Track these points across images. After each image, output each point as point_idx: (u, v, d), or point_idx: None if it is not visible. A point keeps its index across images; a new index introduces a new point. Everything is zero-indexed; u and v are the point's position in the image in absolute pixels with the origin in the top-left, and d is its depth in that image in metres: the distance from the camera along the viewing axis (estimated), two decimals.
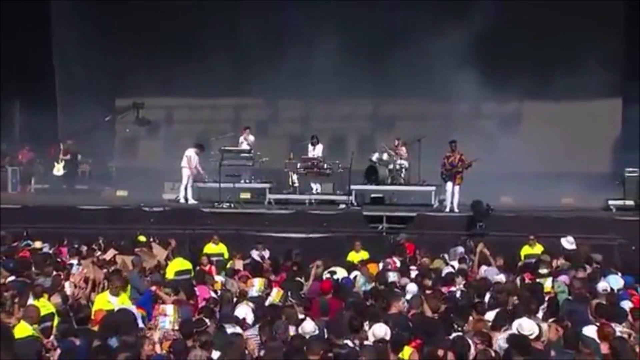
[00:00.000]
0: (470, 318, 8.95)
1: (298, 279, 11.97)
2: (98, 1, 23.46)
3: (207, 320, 8.62)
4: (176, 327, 8.59)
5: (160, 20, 22.83)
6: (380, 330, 7.95)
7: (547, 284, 11.17)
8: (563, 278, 11.54)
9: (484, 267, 13.06)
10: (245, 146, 20.52)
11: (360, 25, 21.03)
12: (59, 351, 7.54)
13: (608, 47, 21.84)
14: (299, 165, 20.13)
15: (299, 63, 21.14)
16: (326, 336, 8.18)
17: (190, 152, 19.46)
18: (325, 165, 20.02)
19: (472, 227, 16.89)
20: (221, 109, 24.95)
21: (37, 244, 15.00)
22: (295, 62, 21.26)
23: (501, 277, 11.87)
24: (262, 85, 21.92)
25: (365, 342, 7.86)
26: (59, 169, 22.15)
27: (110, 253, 13.24)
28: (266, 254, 15.18)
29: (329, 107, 23.84)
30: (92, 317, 9.07)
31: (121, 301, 10.08)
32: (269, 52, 22.03)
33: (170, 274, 12.43)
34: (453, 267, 13.09)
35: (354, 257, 14.87)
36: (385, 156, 19.97)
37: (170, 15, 22.68)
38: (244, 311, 9.77)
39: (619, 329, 7.97)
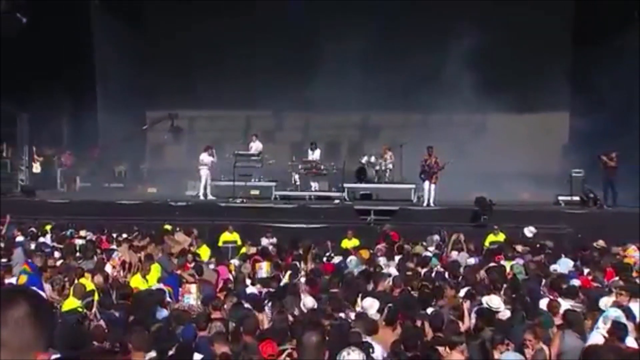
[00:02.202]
0: (445, 294, 8.94)
1: (296, 262, 11.96)
2: (132, 30, 23.43)
3: (223, 298, 8.62)
4: (199, 303, 8.62)
5: (184, 46, 22.87)
6: (367, 303, 7.94)
7: (509, 266, 11.18)
8: (520, 261, 11.56)
9: (455, 252, 13.08)
10: (253, 151, 20.52)
11: (352, 49, 20.93)
12: (102, 322, 7.54)
13: (558, 69, 22.14)
14: (300, 166, 20.12)
15: (300, 81, 21.09)
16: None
17: (203, 156, 19.41)
18: (322, 167, 20.03)
19: (477, 219, 16.73)
20: (234, 119, 24.92)
21: (82, 233, 14.97)
22: (297, 80, 21.22)
23: (471, 261, 11.88)
24: (269, 99, 21.85)
25: (357, 313, 7.85)
26: (37, 167, 22.28)
27: (144, 241, 13.24)
28: (274, 241, 15.17)
29: (325, 118, 23.80)
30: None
31: (152, 281, 10.10)
32: (275, 73, 21.97)
33: (205, 257, 12.77)
34: (430, 252, 13.11)
35: (347, 243, 14.87)
36: (372, 159, 19.98)
37: (192, 42, 22.70)
38: (255, 290, 9.76)
39: (571, 304, 7.97)
